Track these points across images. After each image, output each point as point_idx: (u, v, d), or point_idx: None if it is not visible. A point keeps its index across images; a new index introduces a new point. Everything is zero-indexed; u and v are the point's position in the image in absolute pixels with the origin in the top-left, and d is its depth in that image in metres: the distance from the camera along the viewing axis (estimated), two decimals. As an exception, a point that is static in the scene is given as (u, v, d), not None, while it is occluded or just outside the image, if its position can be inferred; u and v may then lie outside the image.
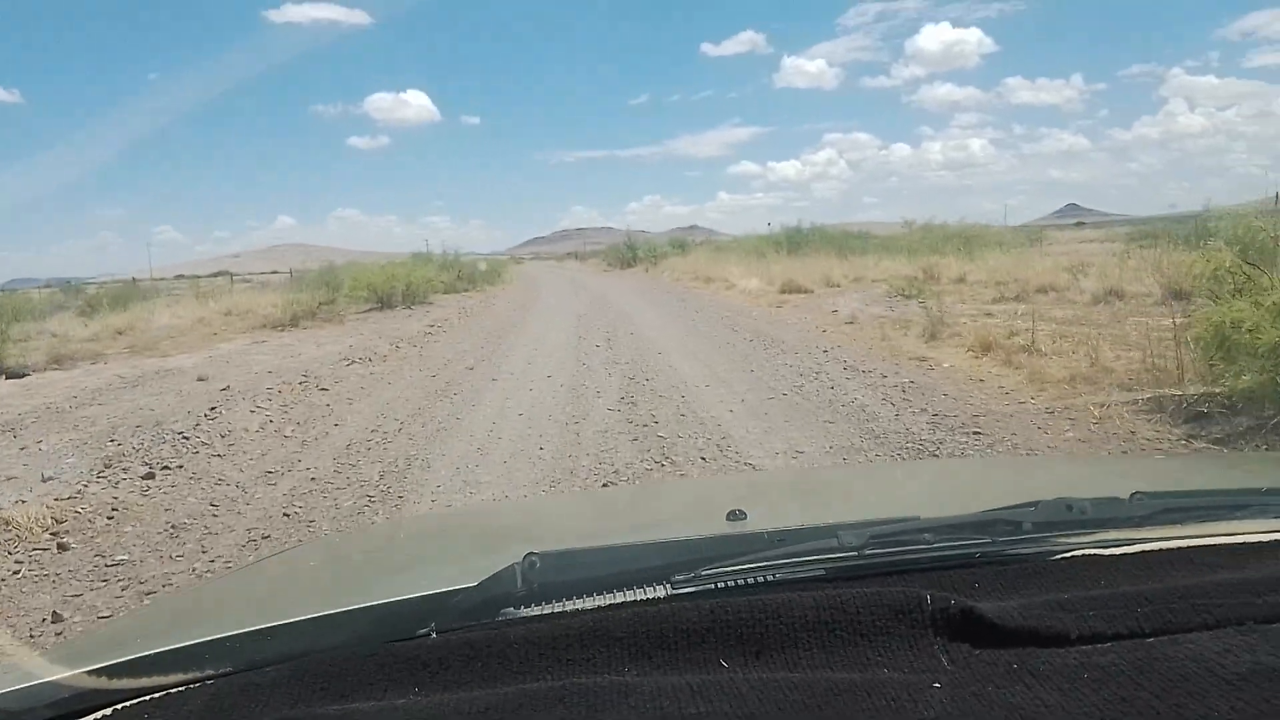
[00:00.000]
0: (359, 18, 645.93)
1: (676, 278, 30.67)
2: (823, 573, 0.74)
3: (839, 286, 19.82)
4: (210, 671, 0.69)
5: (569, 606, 0.71)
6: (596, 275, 42.12)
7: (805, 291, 18.80)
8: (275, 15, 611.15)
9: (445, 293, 27.62)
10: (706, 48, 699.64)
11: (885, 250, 27.86)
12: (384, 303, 21.21)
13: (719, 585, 0.72)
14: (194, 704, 0.64)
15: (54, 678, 0.71)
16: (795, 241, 36.44)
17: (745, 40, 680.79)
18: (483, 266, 34.03)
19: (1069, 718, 0.50)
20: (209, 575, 3.81)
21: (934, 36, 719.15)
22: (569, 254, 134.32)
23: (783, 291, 18.99)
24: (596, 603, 0.71)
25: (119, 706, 0.66)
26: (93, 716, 0.65)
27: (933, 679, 0.56)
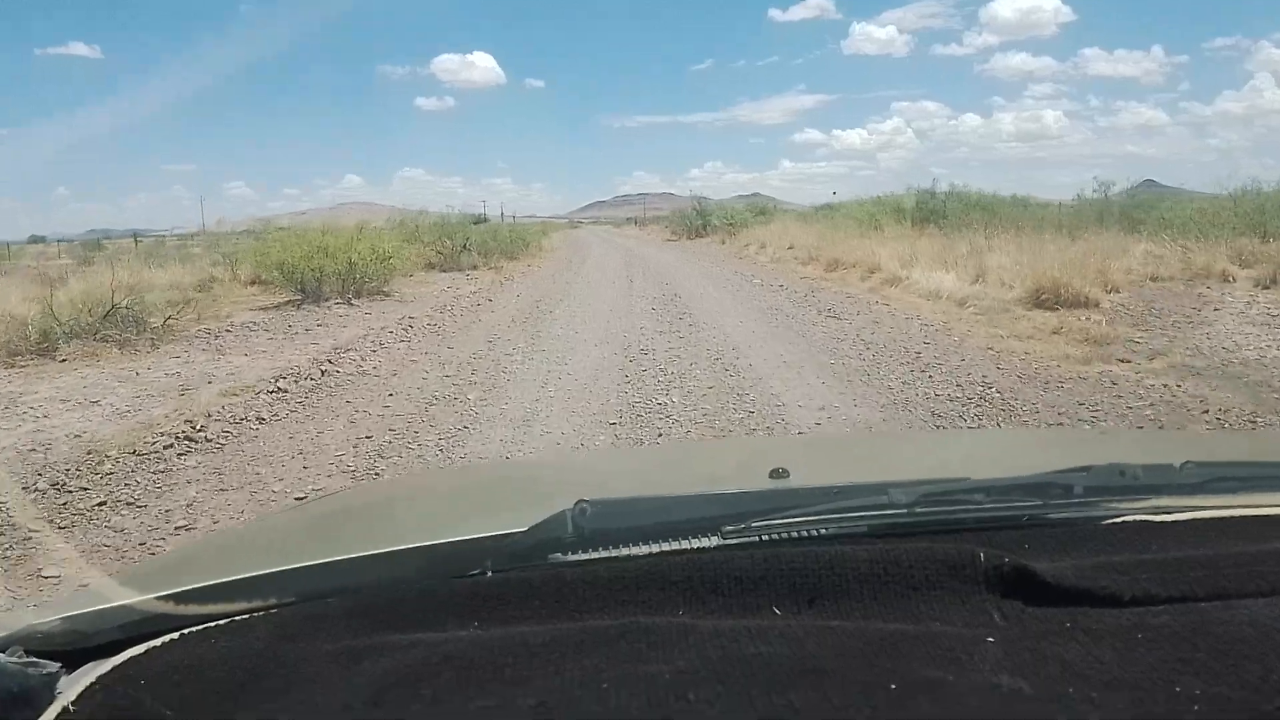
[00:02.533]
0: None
1: (775, 256, 20.99)
2: (871, 529, 0.72)
3: (1119, 290, 10.14)
4: (275, 601, 0.69)
5: (619, 553, 0.70)
6: (660, 247, 32.43)
7: (1087, 304, 9.14)
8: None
9: (441, 270, 18.54)
10: (774, 13, 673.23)
11: (1087, 224, 17.70)
12: (308, 293, 12.16)
13: (769, 537, 0.71)
14: (260, 631, 0.64)
15: (124, 601, 0.71)
16: (928, 210, 26.45)
17: (814, 5, 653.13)
18: (505, 232, 24.48)
19: (1125, 676, 0.49)
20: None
21: (1009, 4, 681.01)
22: (629, 219, 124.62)
23: (1042, 303, 9.31)
24: (647, 549, 0.70)
25: (186, 631, 0.66)
26: (160, 640, 0.65)
27: (986, 633, 0.56)
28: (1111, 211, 18.63)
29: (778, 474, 0.92)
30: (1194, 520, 0.76)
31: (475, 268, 19.18)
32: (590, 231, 75.22)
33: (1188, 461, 0.82)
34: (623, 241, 40.50)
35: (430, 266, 19.35)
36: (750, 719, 0.46)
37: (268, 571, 0.74)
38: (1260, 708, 0.46)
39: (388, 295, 13.22)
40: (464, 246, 19.66)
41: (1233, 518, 0.77)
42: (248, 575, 0.74)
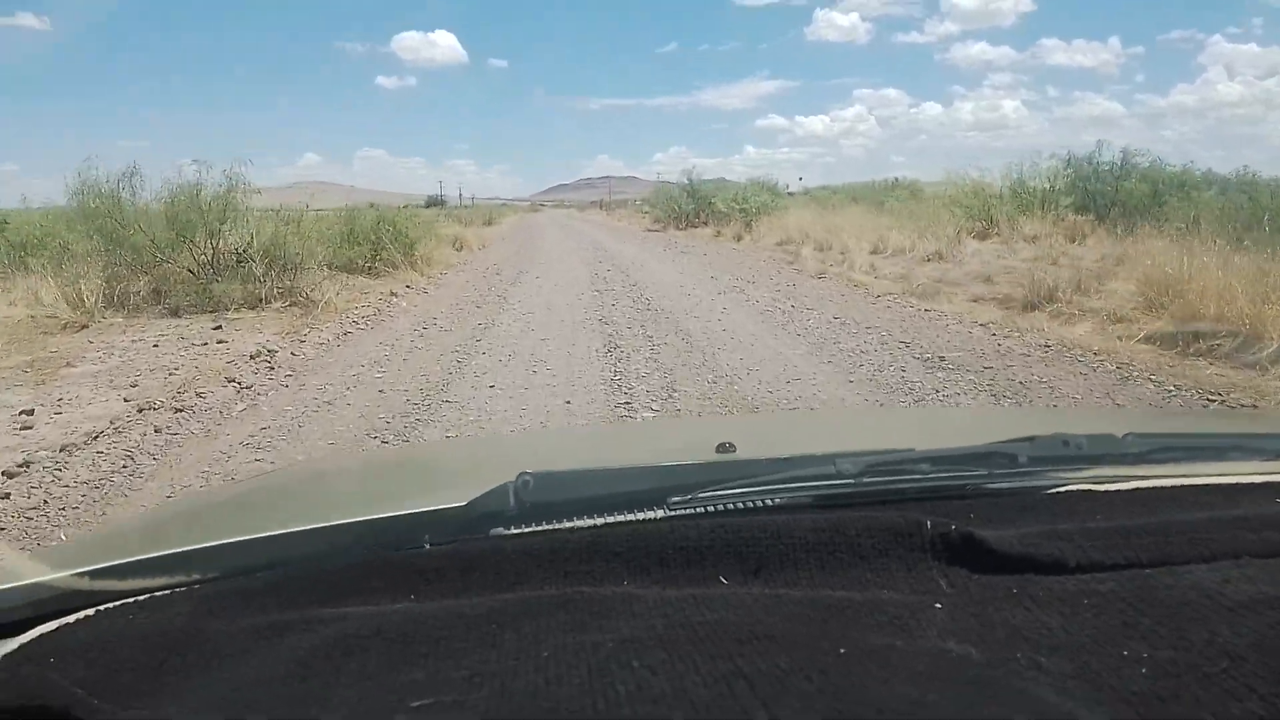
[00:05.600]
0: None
1: (910, 283, 10.41)
2: (818, 499, 0.70)
3: None
4: (198, 576, 0.66)
5: (562, 525, 0.67)
6: (643, 243, 21.61)
7: None
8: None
9: (245, 307, 7.76)
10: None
11: None
12: None
13: (715, 509, 0.68)
14: (181, 606, 0.61)
15: (38, 579, 0.67)
16: (1091, 193, 15.94)
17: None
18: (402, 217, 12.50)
19: (1072, 640, 0.49)
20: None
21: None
22: (593, 203, 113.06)
23: None
24: (590, 523, 0.67)
25: (103, 607, 0.62)
26: (75, 616, 0.61)
27: (933, 600, 0.55)
28: None
29: (724, 449, 0.88)
30: (1136, 490, 0.76)
31: (290, 303, 8.32)
32: (550, 216, 64.04)
33: (1130, 433, 0.81)
34: (589, 231, 29.52)
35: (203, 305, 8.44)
36: (695, 684, 0.43)
37: (192, 548, 0.70)
38: (1205, 670, 0.45)
39: None
40: (276, 261, 8.64)
41: (1174, 487, 0.76)
42: (170, 552, 0.70)
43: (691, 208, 27.26)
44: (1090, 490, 0.74)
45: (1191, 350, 5.50)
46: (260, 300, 8.43)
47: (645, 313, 7.97)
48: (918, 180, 42.90)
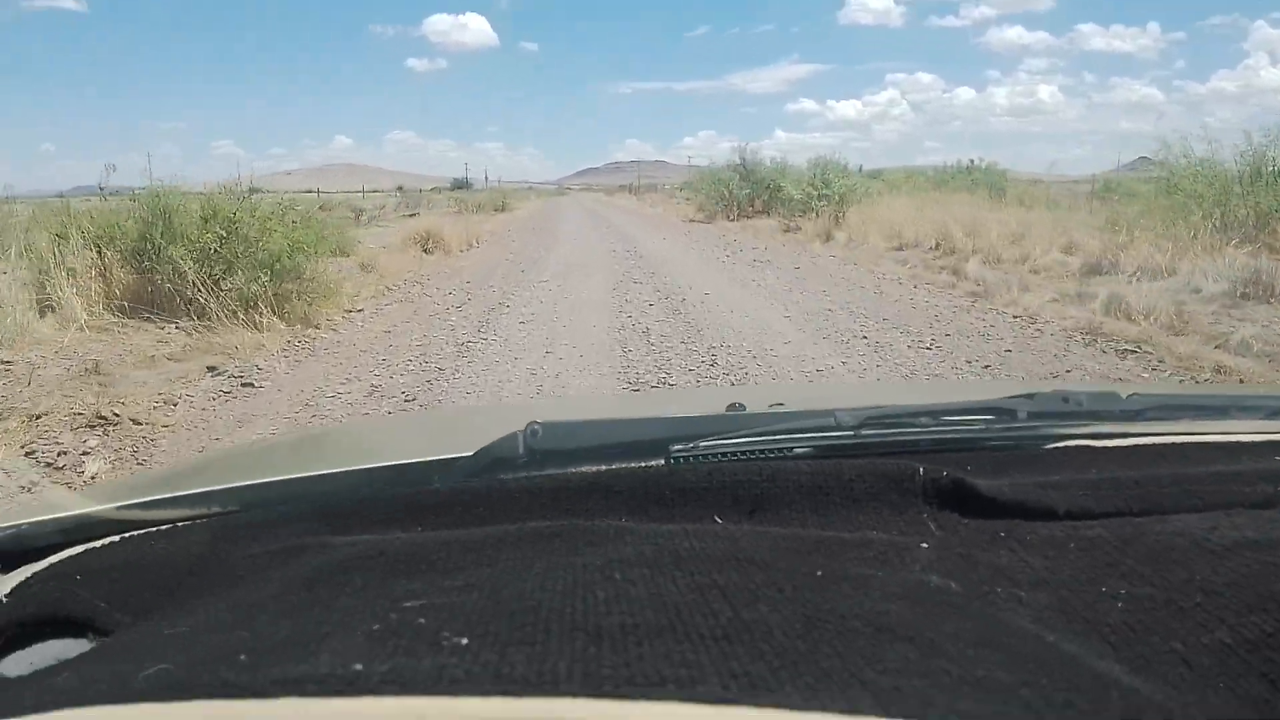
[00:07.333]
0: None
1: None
2: (817, 450, 0.71)
3: None
4: (218, 509, 0.69)
5: (567, 470, 0.68)
6: (693, 243, 15.82)
7: None
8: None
9: None
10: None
11: None
12: None
13: (716, 457, 0.70)
14: (200, 535, 0.64)
15: (68, 511, 0.70)
16: None
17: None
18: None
19: (1054, 578, 0.49)
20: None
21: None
22: (621, 186, 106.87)
23: None
24: (594, 468, 0.69)
25: (126, 535, 0.66)
26: (100, 542, 0.65)
27: (920, 540, 0.55)
28: None
29: (734, 408, 0.88)
30: (1136, 445, 0.75)
31: None
32: (576, 200, 58.44)
33: (1133, 393, 0.82)
34: (619, 221, 23.73)
35: None
36: (670, 592, 0.46)
37: (213, 488, 0.73)
38: (1180, 605, 0.46)
39: None
40: None
41: (1171, 444, 0.76)
42: (194, 491, 0.72)
43: (745, 193, 21.37)
44: (1089, 445, 0.74)
45: None
46: None
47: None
48: (995, 163, 36.19)
